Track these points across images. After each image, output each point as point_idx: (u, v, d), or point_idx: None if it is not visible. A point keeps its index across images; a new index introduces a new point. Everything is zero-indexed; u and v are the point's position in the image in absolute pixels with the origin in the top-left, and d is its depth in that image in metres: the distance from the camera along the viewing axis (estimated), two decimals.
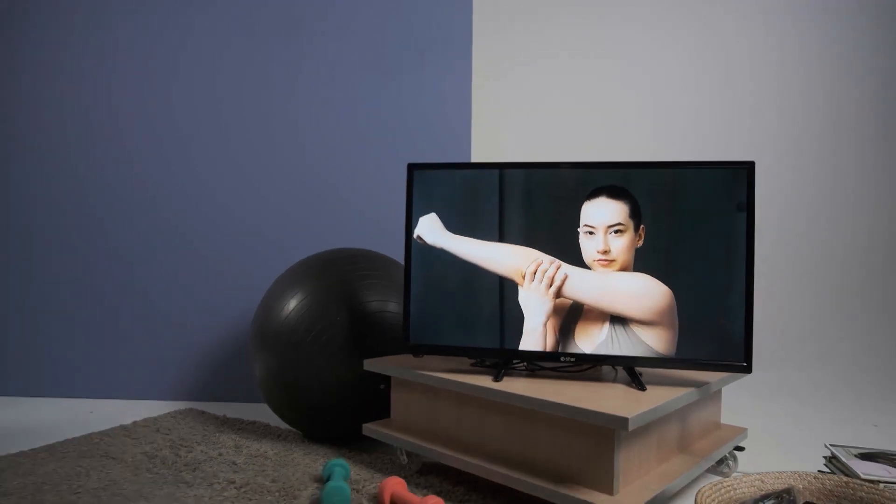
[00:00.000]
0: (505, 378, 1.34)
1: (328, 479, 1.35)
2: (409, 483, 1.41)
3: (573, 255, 1.33)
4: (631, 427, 1.06)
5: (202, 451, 1.64)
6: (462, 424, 1.37)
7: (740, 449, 1.55)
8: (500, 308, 1.38)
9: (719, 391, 1.56)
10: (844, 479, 1.22)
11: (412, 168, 1.44)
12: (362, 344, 1.64)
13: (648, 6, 3.16)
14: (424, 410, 1.45)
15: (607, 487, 1.13)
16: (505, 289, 1.38)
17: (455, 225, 1.41)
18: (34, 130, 2.21)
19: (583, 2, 3.19)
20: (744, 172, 1.25)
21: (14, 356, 2.20)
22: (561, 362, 1.35)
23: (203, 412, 2.03)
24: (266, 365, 1.69)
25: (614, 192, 1.31)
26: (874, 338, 2.91)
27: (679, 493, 1.39)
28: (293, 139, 2.21)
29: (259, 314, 1.76)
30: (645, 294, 1.29)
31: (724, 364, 1.27)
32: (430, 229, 1.41)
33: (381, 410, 1.66)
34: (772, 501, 1.12)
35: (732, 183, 1.26)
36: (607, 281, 1.30)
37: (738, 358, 1.27)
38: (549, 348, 1.34)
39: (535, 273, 1.32)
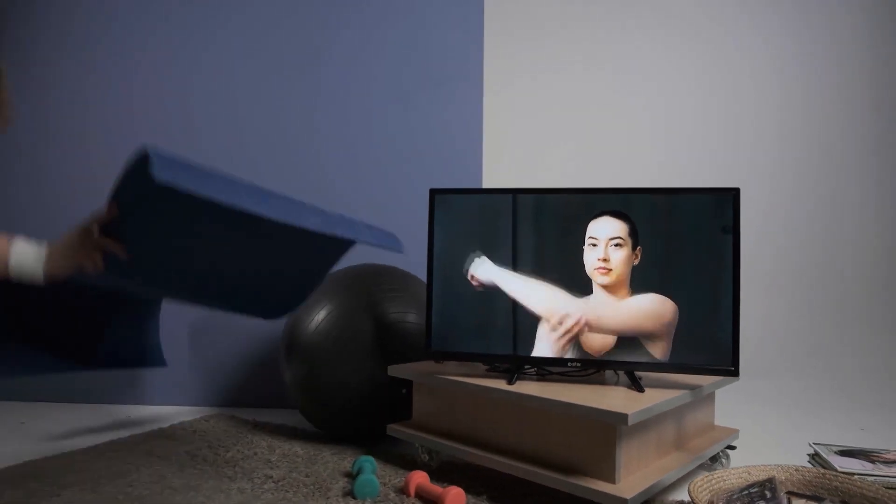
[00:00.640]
0: (517, 381, 1.49)
1: (358, 473, 1.50)
2: (430, 478, 1.56)
3: (578, 271, 1.48)
4: (630, 422, 1.21)
5: (238, 451, 1.79)
6: (478, 423, 1.52)
7: (732, 448, 1.70)
8: (513, 318, 1.53)
9: (713, 394, 1.71)
10: (822, 471, 1.36)
11: (434, 193, 1.60)
12: (384, 352, 1.79)
13: (655, 41, 3.34)
14: (444, 411, 1.60)
15: (610, 477, 1.27)
16: (518, 303, 1.53)
17: (473, 243, 1.57)
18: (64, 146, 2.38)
19: (588, 36, 3.37)
20: (730, 198, 1.41)
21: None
22: (568, 367, 1.50)
23: (233, 416, 2.18)
24: (297, 371, 1.85)
25: (616, 213, 1.48)
26: (866, 350, 3.05)
27: (674, 484, 1.54)
28: (316, 164, 2.38)
29: (290, 325, 1.92)
30: (662, 312, 1.44)
31: (714, 369, 1.42)
32: (483, 268, 1.56)
33: (402, 412, 1.81)
34: (755, 490, 1.26)
35: (720, 207, 1.42)
36: (628, 308, 1.45)
37: (726, 363, 1.42)
38: (556, 355, 1.50)
39: (559, 324, 1.48)
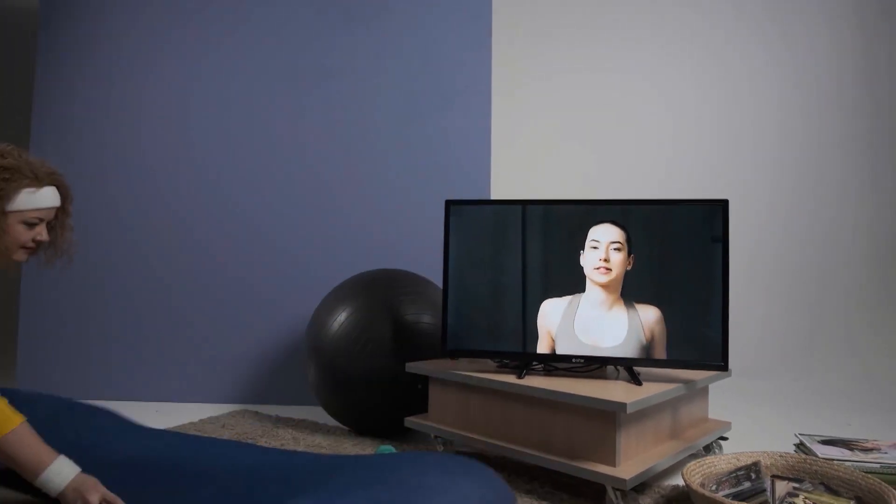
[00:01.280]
0: (526, 376, 1.63)
1: None
2: None
3: (577, 272, 1.63)
4: (629, 411, 1.35)
5: (266, 442, 1.93)
6: (490, 415, 1.66)
7: (725, 439, 1.84)
8: (522, 319, 1.67)
9: (706, 389, 1.85)
10: (804, 456, 1.50)
11: (449, 203, 1.75)
12: (401, 350, 1.93)
13: (657, 56, 3.49)
14: (458, 404, 1.74)
15: (611, 461, 1.41)
16: (527, 304, 1.67)
17: (485, 250, 1.71)
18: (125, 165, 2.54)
19: (591, 53, 3.52)
20: (719, 209, 1.55)
21: (91, 365, 2.50)
22: (572, 363, 1.64)
23: (256, 412, 2.32)
24: (320, 369, 1.99)
25: (615, 222, 1.62)
26: (856, 351, 3.18)
27: (670, 469, 1.68)
28: (331, 176, 2.52)
29: (313, 326, 2.06)
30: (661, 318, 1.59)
31: (706, 364, 1.56)
32: None
33: (417, 406, 1.95)
34: (742, 472, 1.40)
35: (710, 218, 1.56)
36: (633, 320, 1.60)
37: (717, 359, 1.56)
38: (562, 352, 1.64)
39: None
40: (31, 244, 1.43)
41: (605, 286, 1.62)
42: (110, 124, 2.55)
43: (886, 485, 1.32)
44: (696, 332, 1.57)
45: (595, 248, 1.63)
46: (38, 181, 1.40)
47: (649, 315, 1.60)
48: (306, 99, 2.54)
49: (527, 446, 1.55)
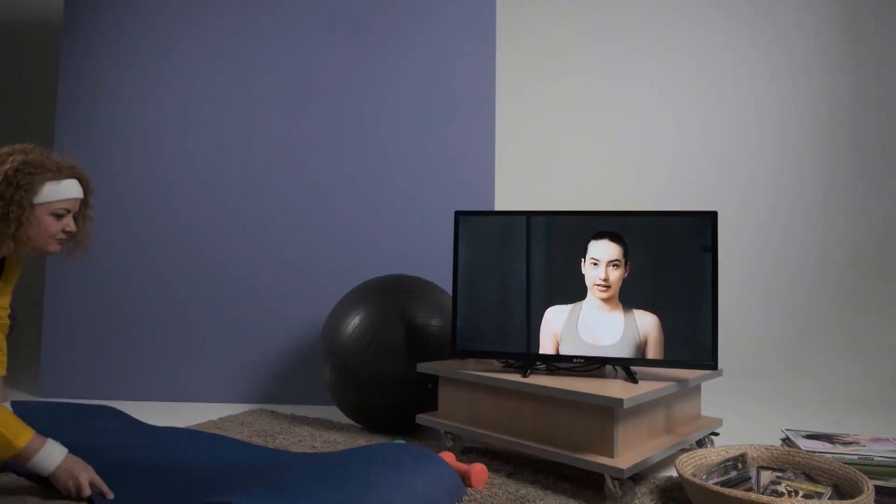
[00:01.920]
0: (530, 375, 1.76)
1: None
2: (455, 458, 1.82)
3: (578, 280, 1.75)
4: (626, 406, 1.47)
5: (284, 438, 2.05)
6: (497, 411, 1.78)
7: (716, 434, 1.96)
8: (527, 322, 1.80)
9: (699, 387, 1.97)
10: (788, 449, 1.62)
11: (458, 214, 1.87)
12: (412, 351, 2.05)
13: (657, 65, 3.62)
14: (466, 402, 1.86)
15: (609, 452, 1.53)
16: (531, 308, 1.79)
17: (492, 257, 1.84)
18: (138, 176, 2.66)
19: (590, 69, 3.66)
20: (709, 220, 1.68)
21: (116, 368, 2.61)
22: (573, 363, 1.76)
23: (272, 411, 2.44)
24: (334, 370, 2.11)
25: (613, 237, 1.75)
26: (847, 353, 3.31)
27: (664, 462, 1.80)
28: (343, 189, 2.65)
29: (327, 329, 2.18)
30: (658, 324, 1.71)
31: (697, 364, 1.68)
32: None
33: (427, 404, 2.07)
34: (730, 463, 1.52)
35: (701, 228, 1.69)
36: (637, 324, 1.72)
37: (707, 359, 1.68)
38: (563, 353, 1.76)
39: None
40: (61, 235, 1.53)
41: (603, 300, 1.75)
42: (130, 133, 2.67)
43: (862, 474, 1.44)
44: (689, 334, 1.69)
45: (595, 264, 1.75)
46: (61, 173, 1.50)
47: (645, 319, 1.72)
48: (317, 115, 2.67)
49: (531, 440, 1.67)
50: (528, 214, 1.82)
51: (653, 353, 1.71)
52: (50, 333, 2.62)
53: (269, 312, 2.63)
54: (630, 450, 1.59)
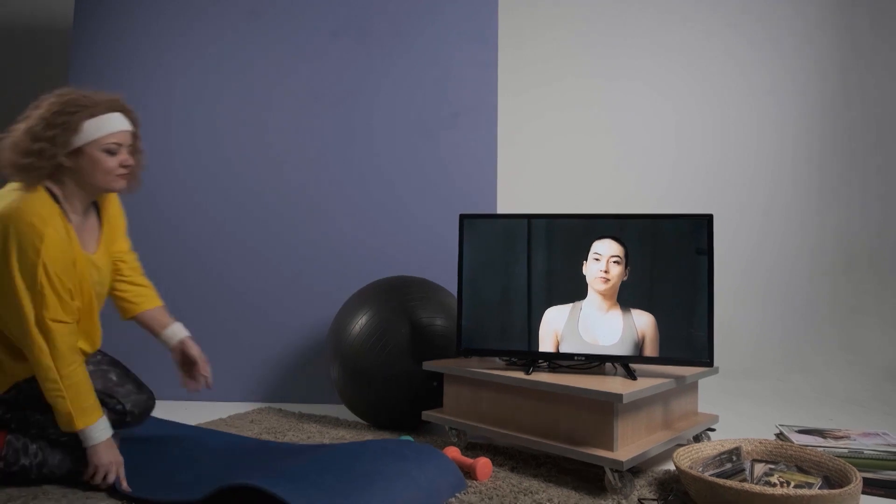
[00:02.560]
0: (533, 372, 1.82)
1: None
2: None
3: (579, 279, 1.82)
4: (625, 401, 1.54)
5: (294, 435, 2.11)
6: (501, 407, 1.84)
7: (713, 430, 2.02)
8: (528, 322, 1.86)
9: (695, 384, 2.04)
10: (781, 442, 1.69)
11: (463, 217, 1.93)
12: (416, 350, 2.11)
13: (657, 69, 3.69)
14: (470, 399, 1.92)
15: (609, 446, 1.60)
16: (533, 308, 1.86)
17: (496, 258, 1.90)
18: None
19: (591, 73, 3.72)
20: (704, 223, 1.74)
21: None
22: (574, 361, 1.83)
23: (280, 410, 2.50)
24: (342, 368, 2.17)
25: (616, 238, 1.82)
26: (842, 352, 3.37)
27: (662, 454, 1.86)
28: (349, 192, 2.71)
29: (335, 329, 2.24)
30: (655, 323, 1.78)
31: (693, 361, 1.75)
32: None
33: (432, 401, 2.13)
34: (725, 456, 1.59)
35: (697, 230, 1.75)
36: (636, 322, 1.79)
37: (703, 357, 1.74)
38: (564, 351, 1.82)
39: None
40: (121, 170, 1.52)
41: (603, 293, 1.81)
42: (144, 135, 2.73)
43: (851, 466, 1.50)
44: (686, 333, 1.76)
45: (597, 259, 1.82)
46: (102, 108, 1.47)
47: (642, 318, 1.79)
48: (326, 121, 2.73)
49: (534, 435, 1.74)
50: (530, 217, 1.88)
51: (649, 351, 1.77)
52: None
53: (278, 312, 2.69)
54: (629, 444, 1.66)
